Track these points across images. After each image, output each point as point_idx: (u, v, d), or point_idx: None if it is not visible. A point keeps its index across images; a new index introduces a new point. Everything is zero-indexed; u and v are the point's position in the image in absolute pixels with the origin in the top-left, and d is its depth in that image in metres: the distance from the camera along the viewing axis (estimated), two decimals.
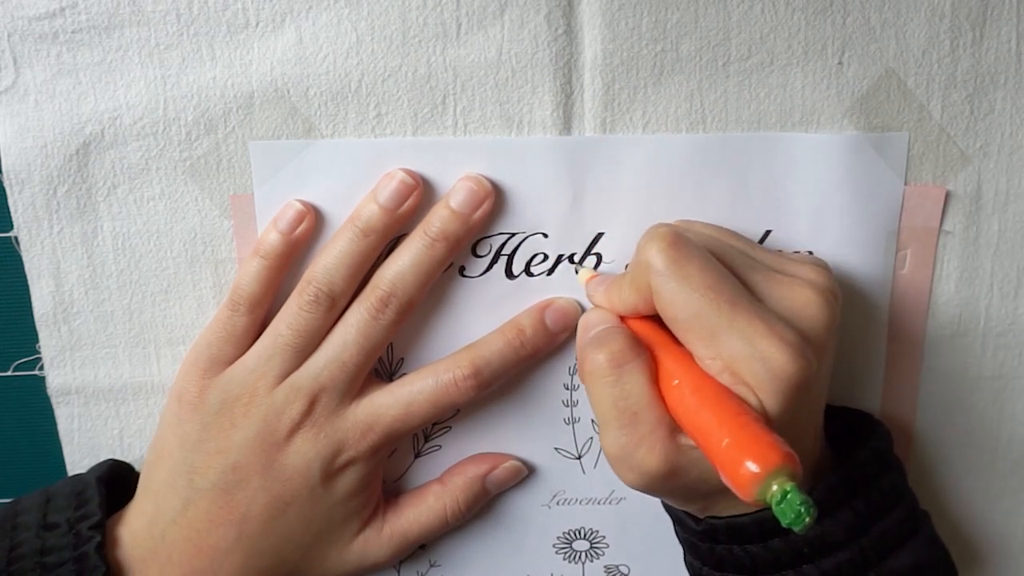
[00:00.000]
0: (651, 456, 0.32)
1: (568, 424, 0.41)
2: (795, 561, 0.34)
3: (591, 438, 0.41)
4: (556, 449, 0.41)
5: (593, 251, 0.38)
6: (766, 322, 0.31)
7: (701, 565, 0.37)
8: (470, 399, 0.37)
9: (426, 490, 0.41)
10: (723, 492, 0.29)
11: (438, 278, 0.38)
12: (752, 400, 0.31)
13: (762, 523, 0.34)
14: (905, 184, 0.38)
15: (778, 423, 0.30)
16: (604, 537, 0.43)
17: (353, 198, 0.37)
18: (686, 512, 0.37)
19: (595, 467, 0.42)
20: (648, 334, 0.34)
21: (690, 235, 0.34)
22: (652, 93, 0.37)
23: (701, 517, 0.36)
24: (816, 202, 0.38)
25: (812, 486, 0.34)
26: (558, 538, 0.43)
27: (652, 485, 0.33)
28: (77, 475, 0.39)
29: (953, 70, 0.37)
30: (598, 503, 0.42)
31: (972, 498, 0.43)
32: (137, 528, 0.37)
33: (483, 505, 0.42)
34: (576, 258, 0.39)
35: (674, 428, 0.32)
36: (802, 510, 0.27)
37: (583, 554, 0.43)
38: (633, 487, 0.33)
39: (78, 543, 0.35)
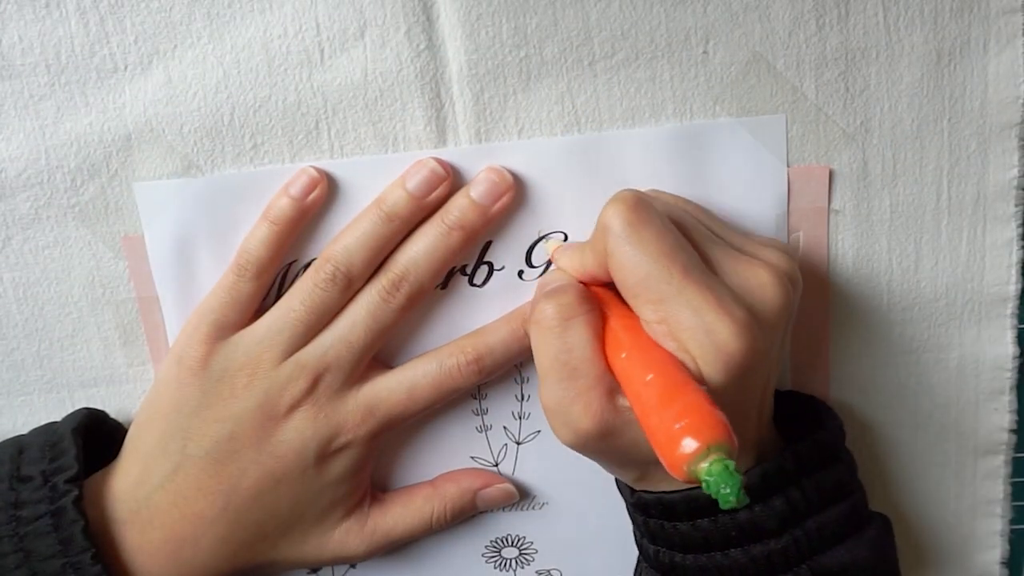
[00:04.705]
0: (586, 413, 0.32)
1: (481, 432, 0.41)
2: (724, 544, 0.33)
3: (505, 445, 0.41)
4: (472, 458, 0.42)
5: (484, 260, 0.39)
6: (716, 295, 0.31)
7: (640, 536, 0.37)
8: (472, 384, 0.38)
9: (415, 492, 0.41)
10: (658, 463, 0.28)
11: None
12: (693, 370, 0.30)
13: (691, 501, 0.33)
14: (788, 166, 0.38)
15: (717, 398, 0.29)
16: (532, 543, 0.43)
17: (241, 230, 0.38)
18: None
19: (512, 474, 0.42)
20: (602, 299, 0.34)
21: (656, 203, 0.33)
22: (523, 99, 0.37)
23: (636, 489, 0.35)
24: (699, 191, 0.38)
25: (749, 470, 0.33)
26: (486, 547, 0.43)
27: (586, 444, 0.33)
28: (50, 424, 0.38)
29: (822, 49, 0.36)
30: (521, 509, 0.42)
31: (900, 477, 0.42)
32: (120, 488, 0.37)
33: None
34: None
35: (613, 388, 0.32)
36: (731, 487, 0.26)
37: (513, 561, 0.43)
38: (567, 444, 0.33)
39: (55, 496, 0.34)
